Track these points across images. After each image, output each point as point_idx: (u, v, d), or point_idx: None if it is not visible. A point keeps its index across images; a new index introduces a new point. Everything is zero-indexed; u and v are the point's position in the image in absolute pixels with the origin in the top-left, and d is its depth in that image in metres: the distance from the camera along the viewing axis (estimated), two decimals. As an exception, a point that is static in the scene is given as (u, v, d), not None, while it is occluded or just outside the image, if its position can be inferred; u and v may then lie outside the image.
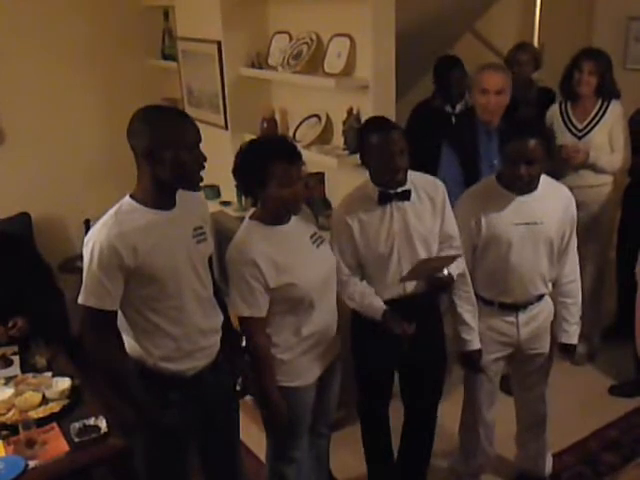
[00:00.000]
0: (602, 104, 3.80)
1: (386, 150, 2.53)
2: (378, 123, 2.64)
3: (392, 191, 2.62)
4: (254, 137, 2.87)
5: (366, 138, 2.59)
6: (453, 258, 2.66)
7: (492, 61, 3.65)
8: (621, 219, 4.13)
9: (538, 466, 3.24)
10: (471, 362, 2.91)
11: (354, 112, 3.36)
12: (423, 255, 2.68)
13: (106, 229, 2.13)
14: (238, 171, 2.49)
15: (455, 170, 3.35)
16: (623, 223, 4.13)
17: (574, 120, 3.84)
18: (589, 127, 3.81)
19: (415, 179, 2.69)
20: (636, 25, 5.22)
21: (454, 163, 3.40)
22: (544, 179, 2.75)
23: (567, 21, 5.34)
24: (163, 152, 2.12)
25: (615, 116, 3.79)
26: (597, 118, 3.80)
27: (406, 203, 2.65)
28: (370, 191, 2.66)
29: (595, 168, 3.81)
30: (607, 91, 3.79)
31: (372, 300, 2.69)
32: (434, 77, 4.37)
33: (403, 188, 2.63)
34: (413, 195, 2.66)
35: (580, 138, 3.82)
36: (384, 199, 2.63)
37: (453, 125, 4.06)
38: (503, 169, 2.72)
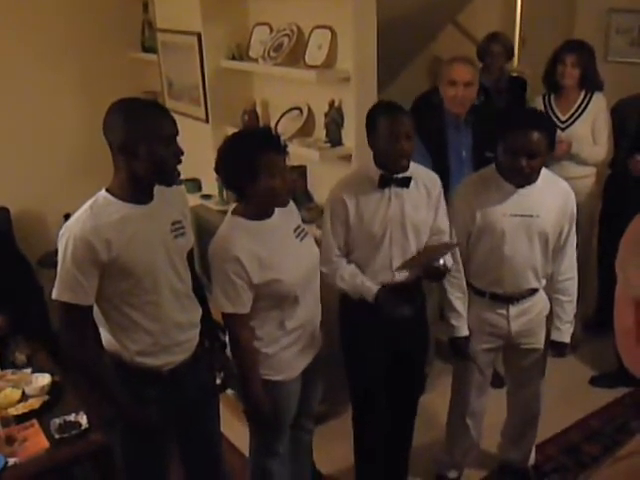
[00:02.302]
0: (585, 96, 3.82)
1: (394, 132, 2.55)
2: (389, 105, 2.66)
3: (394, 176, 2.64)
4: (235, 130, 2.84)
5: (375, 119, 2.61)
6: (450, 246, 2.68)
7: (462, 54, 3.64)
8: (601, 211, 4.15)
9: (522, 458, 3.25)
10: (458, 349, 2.91)
11: (336, 104, 3.34)
12: (413, 243, 2.70)
13: (80, 223, 2.11)
14: (223, 166, 2.44)
15: (424, 162, 3.34)
16: (603, 215, 4.15)
17: (557, 112, 3.86)
18: (572, 119, 3.83)
19: (414, 170, 2.70)
20: (617, 17, 5.24)
21: (422, 154, 3.40)
22: (544, 172, 2.72)
23: (549, 13, 5.35)
24: (138, 146, 2.09)
25: (598, 108, 3.81)
26: (580, 110, 3.82)
27: (404, 190, 2.67)
28: (371, 173, 2.67)
29: (578, 159, 3.82)
30: (590, 83, 3.81)
31: (364, 280, 2.70)
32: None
33: (404, 174, 2.64)
34: (412, 184, 2.68)
35: (563, 130, 3.83)
36: (385, 183, 2.64)
37: (421, 116, 4.04)
38: (503, 160, 2.67)
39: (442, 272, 2.67)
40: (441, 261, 2.63)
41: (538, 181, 2.70)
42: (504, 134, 2.62)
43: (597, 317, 4.31)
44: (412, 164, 2.67)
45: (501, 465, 3.34)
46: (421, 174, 2.74)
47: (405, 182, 2.66)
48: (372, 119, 2.64)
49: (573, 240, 2.85)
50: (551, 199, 2.74)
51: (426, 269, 2.68)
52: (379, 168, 2.65)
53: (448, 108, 3.44)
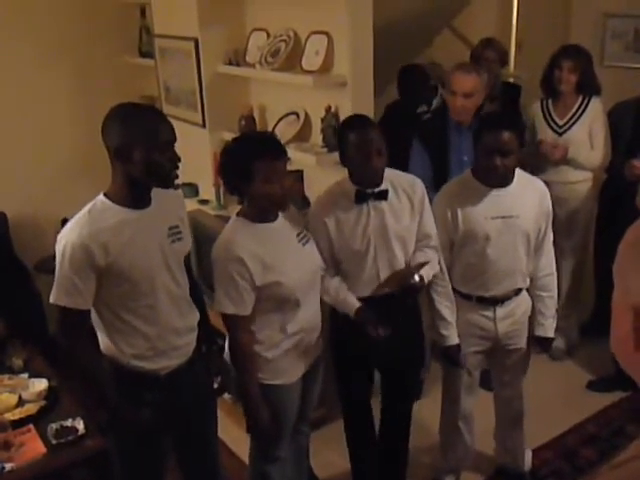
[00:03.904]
0: (583, 100, 3.83)
1: (364, 150, 2.52)
2: (356, 122, 2.63)
3: (369, 190, 2.62)
4: (232, 135, 2.85)
5: (344, 137, 2.59)
6: (420, 266, 2.66)
7: (467, 61, 3.65)
8: (598, 215, 4.16)
9: (517, 461, 3.26)
10: (450, 357, 2.92)
11: (332, 110, 3.35)
12: (399, 254, 2.69)
13: (78, 228, 2.12)
14: (224, 169, 2.47)
15: (424, 165, 3.36)
16: (600, 219, 4.16)
17: (555, 116, 3.86)
18: (569, 123, 3.83)
19: (393, 177, 2.68)
20: (613, 22, 5.25)
21: (424, 158, 3.41)
22: (519, 173, 2.76)
23: (545, 18, 5.36)
24: (134, 151, 2.11)
25: (595, 112, 3.81)
26: (577, 114, 3.82)
27: (383, 202, 2.64)
28: (348, 189, 2.65)
29: (574, 164, 3.83)
30: (587, 87, 3.81)
31: (346, 296, 2.69)
32: (398, 86, 4.38)
33: (380, 188, 2.63)
34: (391, 193, 2.65)
35: (561, 134, 3.84)
36: (361, 198, 2.63)
37: (424, 120, 4.04)
38: (478, 161, 2.72)
39: (419, 287, 2.66)
40: (416, 277, 2.63)
41: (514, 182, 2.74)
42: (479, 137, 2.68)
43: (594, 321, 4.31)
44: (389, 171, 2.65)
45: (498, 470, 3.34)
46: (400, 181, 2.70)
47: (382, 195, 2.64)
48: (342, 138, 2.62)
49: (550, 237, 2.89)
50: (528, 198, 2.77)
51: (402, 287, 2.66)
52: (354, 184, 2.64)
53: (451, 114, 3.44)
